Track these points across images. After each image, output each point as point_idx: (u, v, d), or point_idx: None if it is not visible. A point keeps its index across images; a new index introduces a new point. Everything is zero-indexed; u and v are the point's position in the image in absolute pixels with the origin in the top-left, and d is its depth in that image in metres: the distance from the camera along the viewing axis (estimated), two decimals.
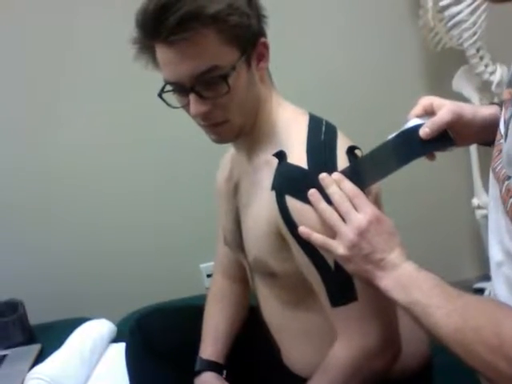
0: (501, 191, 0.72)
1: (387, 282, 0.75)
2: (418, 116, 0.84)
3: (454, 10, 1.66)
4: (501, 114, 0.78)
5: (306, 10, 1.80)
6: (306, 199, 0.80)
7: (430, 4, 1.69)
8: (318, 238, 0.79)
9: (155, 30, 0.80)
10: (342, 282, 0.83)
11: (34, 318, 1.62)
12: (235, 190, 1.02)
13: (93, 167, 1.85)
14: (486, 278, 2.13)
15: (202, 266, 2.02)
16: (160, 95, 0.88)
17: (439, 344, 0.71)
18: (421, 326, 0.72)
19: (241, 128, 0.90)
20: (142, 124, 1.79)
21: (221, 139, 0.92)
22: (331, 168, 0.82)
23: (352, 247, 0.76)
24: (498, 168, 0.74)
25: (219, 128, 0.89)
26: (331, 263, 0.82)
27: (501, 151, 0.73)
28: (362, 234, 0.76)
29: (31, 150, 1.81)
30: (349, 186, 0.79)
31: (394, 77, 1.91)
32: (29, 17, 1.67)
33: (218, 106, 0.85)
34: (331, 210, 0.79)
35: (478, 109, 0.85)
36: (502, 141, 0.74)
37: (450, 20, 1.69)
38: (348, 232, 0.76)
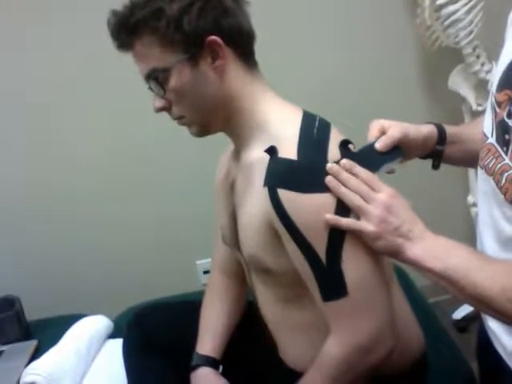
0: (498, 183, 0.78)
1: (419, 252, 0.79)
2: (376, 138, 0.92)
3: (451, 8, 1.67)
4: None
5: (303, 9, 1.81)
6: (297, 188, 0.81)
7: (426, 3, 1.70)
8: (347, 221, 0.81)
9: (111, 39, 0.90)
10: (332, 277, 0.83)
11: (31, 314, 1.62)
12: (232, 188, 1.02)
13: (88, 165, 1.85)
14: None
15: (199, 262, 2.03)
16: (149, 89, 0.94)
17: (479, 309, 0.77)
18: (458, 292, 0.76)
19: (204, 124, 0.94)
20: (137, 122, 1.80)
21: (191, 133, 0.97)
22: (322, 161, 0.83)
23: (380, 223, 0.80)
24: (491, 164, 0.80)
25: (181, 123, 0.95)
26: (323, 257, 0.82)
27: (489, 150, 0.81)
28: (387, 208, 0.80)
29: (29, 151, 1.82)
30: (361, 170, 0.83)
31: (390, 75, 1.92)
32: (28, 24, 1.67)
33: (172, 103, 0.91)
34: (353, 193, 0.82)
35: (420, 128, 0.96)
36: (491, 140, 0.81)
37: (446, 19, 1.69)
38: (374, 209, 0.80)
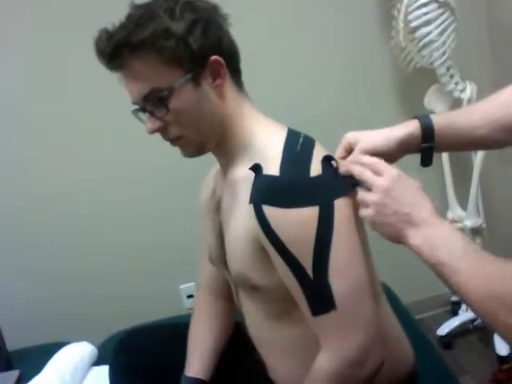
0: None
1: (417, 240, 0.77)
2: (341, 157, 0.92)
3: (424, 30, 1.72)
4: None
5: (279, 31, 1.84)
6: (281, 204, 0.82)
7: (401, 25, 1.75)
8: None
9: (101, 58, 0.87)
10: (320, 291, 0.83)
11: (12, 343, 1.59)
12: (218, 206, 1.02)
13: (70, 191, 1.84)
14: None
15: (182, 287, 2.01)
16: (134, 112, 0.93)
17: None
18: (449, 287, 0.74)
19: (200, 143, 0.94)
20: (119, 145, 1.80)
21: (185, 154, 0.96)
22: (303, 176, 0.84)
23: (378, 205, 0.80)
24: None
25: (177, 143, 0.94)
26: (310, 272, 0.83)
27: None
28: (386, 191, 0.80)
29: (17, 177, 1.80)
30: (366, 157, 0.85)
31: (367, 96, 1.96)
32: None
33: (170, 123, 0.90)
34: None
35: (391, 132, 0.91)
36: None
37: (420, 40, 1.75)
38: (372, 196, 0.81)
